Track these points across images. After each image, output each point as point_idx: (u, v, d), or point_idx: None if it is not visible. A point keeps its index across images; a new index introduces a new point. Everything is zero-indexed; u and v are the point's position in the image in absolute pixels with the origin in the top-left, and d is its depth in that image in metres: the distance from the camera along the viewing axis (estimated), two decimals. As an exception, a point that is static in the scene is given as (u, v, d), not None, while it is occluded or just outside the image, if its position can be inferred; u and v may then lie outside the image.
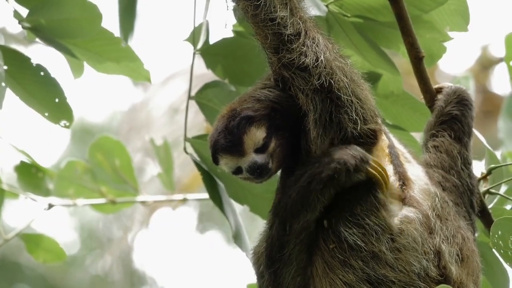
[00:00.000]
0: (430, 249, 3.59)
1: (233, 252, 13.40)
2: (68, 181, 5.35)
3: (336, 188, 3.57)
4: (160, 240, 12.91)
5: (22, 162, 5.27)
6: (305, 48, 3.64)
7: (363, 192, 3.60)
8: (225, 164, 3.76)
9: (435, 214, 3.66)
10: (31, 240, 5.11)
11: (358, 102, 3.64)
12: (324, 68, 3.62)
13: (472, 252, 3.72)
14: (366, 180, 3.59)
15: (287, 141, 3.74)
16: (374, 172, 3.59)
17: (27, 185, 5.25)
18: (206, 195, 4.56)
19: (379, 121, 3.73)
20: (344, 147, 3.58)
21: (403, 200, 3.66)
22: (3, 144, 5.34)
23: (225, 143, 3.71)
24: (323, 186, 3.56)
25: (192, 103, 4.52)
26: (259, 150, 3.71)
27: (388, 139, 3.75)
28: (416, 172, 3.76)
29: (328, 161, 3.56)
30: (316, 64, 3.62)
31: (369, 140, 3.65)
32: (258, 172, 3.71)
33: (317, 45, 3.65)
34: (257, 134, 3.70)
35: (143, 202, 5.58)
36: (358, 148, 3.59)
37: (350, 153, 3.56)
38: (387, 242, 3.55)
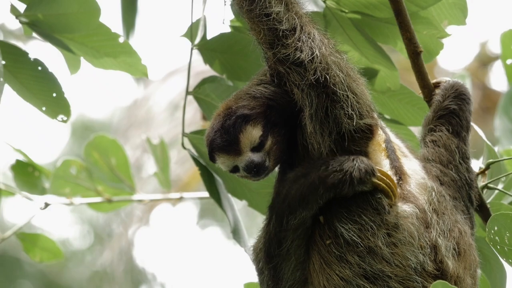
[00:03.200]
0: (427, 243, 3.60)
1: (233, 248, 13.41)
2: (64, 180, 5.34)
3: (337, 195, 3.58)
4: (160, 236, 12.91)
5: (18, 161, 5.27)
6: (300, 43, 3.64)
7: (362, 193, 3.60)
8: (222, 163, 3.77)
9: (432, 208, 3.66)
10: (28, 239, 5.11)
11: (354, 97, 3.63)
12: (320, 63, 3.62)
13: (469, 246, 3.72)
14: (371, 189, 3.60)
15: (283, 137, 3.74)
16: (381, 183, 3.59)
17: (23, 184, 5.25)
18: (204, 193, 4.55)
19: (375, 115, 3.72)
20: (353, 157, 3.58)
21: (400, 195, 3.66)
22: (0, 143, 5.35)
23: (221, 142, 3.71)
24: (325, 192, 3.56)
25: (193, 100, 4.52)
26: (256, 148, 3.71)
27: (384, 133, 3.75)
28: (412, 167, 3.76)
29: (334, 169, 3.56)
30: (311, 59, 3.62)
31: (365, 135, 3.65)
32: (255, 171, 3.72)
33: (312, 40, 3.65)
34: (253, 133, 3.70)
35: (139, 201, 5.57)
36: (365, 159, 3.59)
37: (356, 166, 3.55)
38: (383, 237, 3.56)
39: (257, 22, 3.66)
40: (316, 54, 3.62)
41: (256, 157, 3.70)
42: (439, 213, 3.67)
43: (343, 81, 3.62)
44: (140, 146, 11.17)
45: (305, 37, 3.64)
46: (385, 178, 3.60)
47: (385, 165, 3.66)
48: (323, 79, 3.61)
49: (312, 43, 3.63)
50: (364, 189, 3.58)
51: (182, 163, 10.59)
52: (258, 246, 3.75)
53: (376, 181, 3.58)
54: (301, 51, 3.62)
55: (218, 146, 3.72)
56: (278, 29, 3.64)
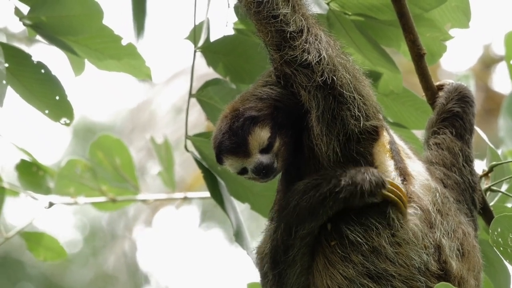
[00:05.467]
0: (431, 243, 3.60)
1: (235, 250, 13.41)
2: (69, 180, 5.35)
3: (346, 206, 3.59)
4: (163, 239, 12.92)
5: (22, 161, 5.27)
6: (307, 45, 3.64)
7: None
8: (230, 165, 3.75)
9: (436, 209, 3.67)
10: (32, 238, 5.12)
11: (360, 99, 3.64)
12: (327, 65, 3.62)
13: (473, 247, 3.72)
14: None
15: (290, 139, 3.73)
16: (391, 195, 3.60)
17: (27, 183, 5.25)
18: (207, 194, 4.55)
19: (381, 117, 3.73)
20: (363, 169, 3.59)
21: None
22: (4, 143, 5.35)
23: (230, 144, 3.70)
24: (335, 204, 3.57)
25: (196, 102, 4.51)
26: (264, 150, 3.70)
27: (389, 135, 3.75)
28: (416, 168, 3.76)
29: (346, 183, 3.56)
30: (318, 61, 3.62)
31: (371, 137, 3.65)
32: (264, 173, 3.71)
33: (319, 42, 3.65)
34: (262, 135, 3.69)
35: (143, 201, 5.57)
36: (376, 171, 3.59)
37: (367, 178, 3.56)
38: (387, 236, 3.56)
39: (264, 24, 3.66)
40: (323, 56, 3.62)
41: (265, 158, 3.70)
42: (443, 214, 3.68)
43: (350, 83, 3.63)
44: (143, 148, 11.18)
45: (312, 38, 3.64)
46: (395, 190, 3.60)
47: (389, 166, 3.66)
48: (330, 81, 3.61)
49: (319, 45, 3.64)
50: (374, 201, 3.58)
51: (186, 165, 10.60)
52: (263, 250, 3.75)
53: (386, 193, 3.59)
54: (308, 53, 3.63)
55: (227, 148, 3.70)
56: (285, 31, 3.64)
